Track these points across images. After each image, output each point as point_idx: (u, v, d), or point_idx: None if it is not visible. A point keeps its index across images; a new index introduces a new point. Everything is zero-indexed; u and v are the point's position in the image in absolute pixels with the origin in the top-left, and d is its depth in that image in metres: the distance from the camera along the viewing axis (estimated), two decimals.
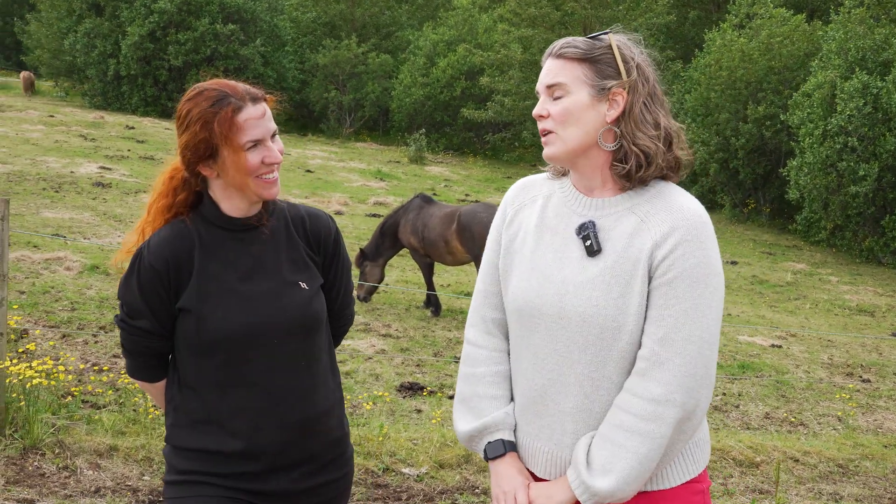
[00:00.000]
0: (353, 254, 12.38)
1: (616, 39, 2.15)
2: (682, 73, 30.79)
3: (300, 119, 41.03)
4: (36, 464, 4.69)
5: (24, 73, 41.20)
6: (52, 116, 28.72)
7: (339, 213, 17.93)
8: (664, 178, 2.17)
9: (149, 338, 2.39)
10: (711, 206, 27.14)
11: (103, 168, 18.82)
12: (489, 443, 2.26)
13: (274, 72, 37.10)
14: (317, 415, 2.44)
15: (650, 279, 2.06)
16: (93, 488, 4.54)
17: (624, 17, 31.76)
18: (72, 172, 17.91)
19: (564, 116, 2.13)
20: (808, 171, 20.75)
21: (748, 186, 25.83)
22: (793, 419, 7.68)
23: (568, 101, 2.12)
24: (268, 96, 2.37)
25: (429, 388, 7.37)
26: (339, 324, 2.68)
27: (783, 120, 23.12)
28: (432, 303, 10.46)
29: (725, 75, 25.31)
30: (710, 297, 2.04)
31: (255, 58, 35.78)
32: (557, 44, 2.17)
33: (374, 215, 17.60)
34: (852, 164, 19.66)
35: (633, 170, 2.11)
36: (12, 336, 6.55)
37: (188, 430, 2.38)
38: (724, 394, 8.31)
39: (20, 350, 5.88)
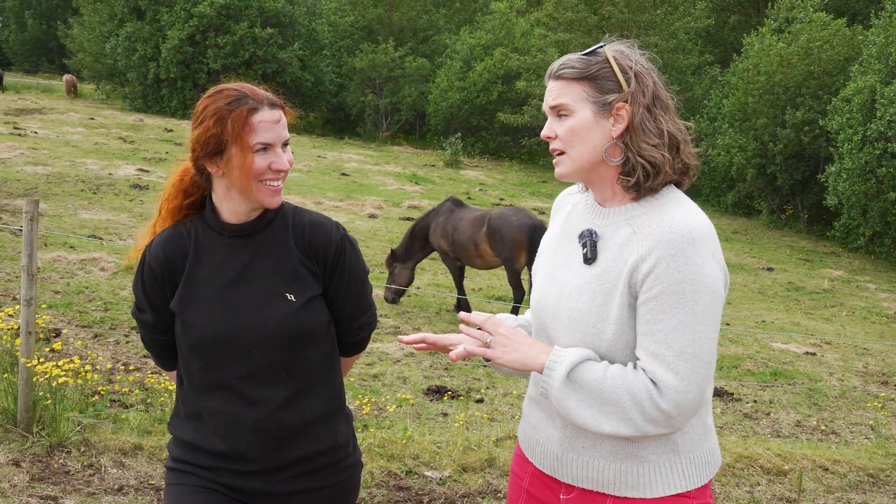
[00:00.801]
0: (385, 256, 12.44)
1: (612, 52, 2.14)
2: (720, 77, 30.58)
3: (337, 122, 41.24)
4: (61, 461, 4.75)
5: (66, 77, 41.83)
6: (92, 119, 29.11)
7: (372, 216, 17.99)
8: (677, 183, 2.18)
9: (153, 331, 2.47)
10: (749, 212, 26.93)
11: (141, 170, 19.02)
12: None
13: (311, 75, 37.31)
14: (299, 424, 2.41)
15: (636, 294, 2.07)
16: (116, 486, 4.58)
17: (662, 21, 31.59)
18: (110, 174, 18.13)
19: (570, 136, 2.14)
20: (847, 177, 20.52)
21: (786, 192, 25.58)
22: (824, 427, 7.58)
23: (572, 121, 2.13)
24: (287, 108, 2.39)
25: (455, 392, 7.37)
26: (353, 333, 2.59)
27: (822, 125, 22.89)
28: (462, 306, 10.46)
29: (764, 80, 25.10)
30: (702, 314, 2.02)
31: (292, 61, 36.01)
32: (555, 65, 2.17)
33: (408, 219, 17.63)
34: (892, 170, 19.39)
35: (640, 181, 2.12)
36: (41, 335, 6.64)
37: (183, 421, 2.47)
38: (756, 401, 8.23)
39: (47, 350, 5.94)
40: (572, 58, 2.15)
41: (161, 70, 35.29)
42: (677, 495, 2.16)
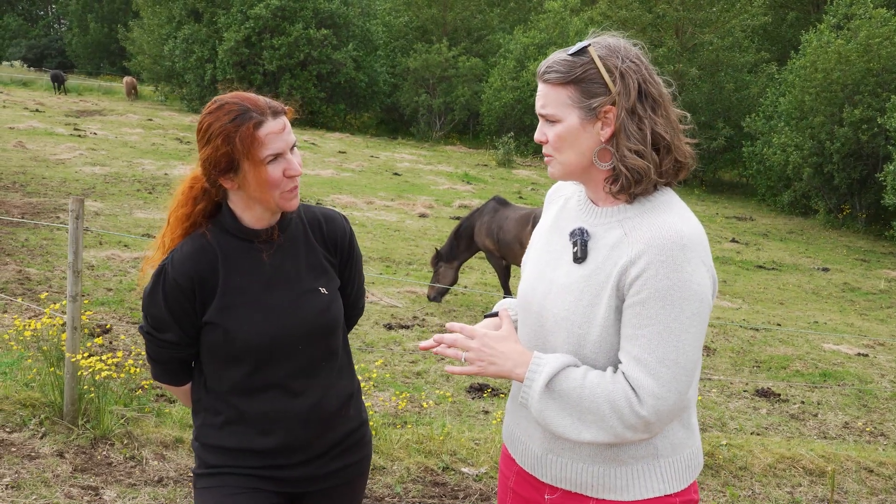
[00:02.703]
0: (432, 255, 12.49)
1: (598, 51, 2.07)
2: (777, 75, 30.18)
3: (390, 122, 41.46)
4: (104, 453, 4.86)
5: (126, 78, 42.66)
6: (150, 120, 29.62)
7: (423, 215, 18.06)
8: (668, 183, 2.14)
9: (175, 348, 2.46)
10: (805, 211, 26.55)
11: None
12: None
13: (365, 76, 37.56)
14: (337, 408, 2.54)
15: (623, 297, 2.05)
16: (156, 478, 4.69)
17: (718, 19, 31.27)
18: (166, 175, 18.45)
19: (559, 143, 2.11)
20: None
21: (843, 191, 25.17)
22: (872, 430, 7.47)
23: (560, 128, 2.10)
24: (287, 108, 2.41)
25: (497, 390, 7.39)
26: (352, 313, 2.75)
27: (880, 123, 22.48)
28: None
29: (821, 77, 24.72)
30: (687, 322, 1.99)
31: (347, 62, 36.29)
32: (542, 66, 2.12)
33: (458, 218, 17.66)
34: None
35: (623, 188, 2.09)
36: (86, 331, 6.79)
37: (217, 429, 2.47)
38: (803, 402, 8.13)
39: (89, 344, 6.09)
40: (557, 59, 2.09)
41: (218, 71, 35.81)
42: (658, 498, 2.15)
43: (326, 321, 2.49)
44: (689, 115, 2.22)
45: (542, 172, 29.41)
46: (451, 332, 2.19)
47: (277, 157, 2.32)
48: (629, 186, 2.08)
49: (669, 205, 2.10)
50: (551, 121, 2.12)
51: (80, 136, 23.27)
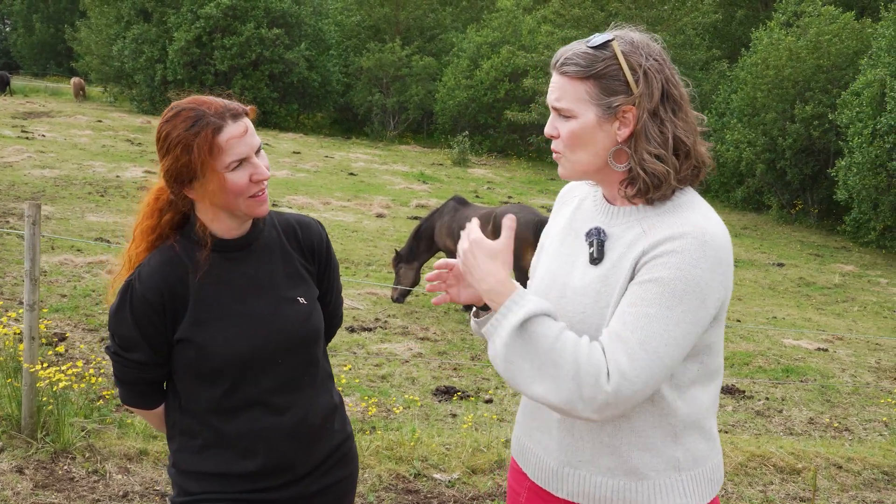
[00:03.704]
0: (392, 256, 12.39)
1: (622, 46, 1.96)
2: (729, 72, 30.47)
3: (344, 122, 41.25)
4: (66, 468, 4.70)
5: (74, 79, 41.94)
6: (99, 121, 29.14)
7: (380, 215, 17.94)
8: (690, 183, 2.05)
9: (145, 369, 2.30)
10: (758, 207, 26.82)
11: (148, 172, 19.00)
12: None
13: (318, 75, 37.30)
14: (322, 422, 2.42)
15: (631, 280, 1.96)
16: (121, 493, 4.53)
17: (669, 17, 31.47)
18: (117, 177, 18.13)
19: (572, 140, 2.00)
20: (857, 172, 20.39)
21: (796, 187, 25.45)
22: (837, 424, 7.51)
23: (574, 125, 1.98)
24: (249, 109, 2.26)
25: (465, 393, 7.31)
26: (332, 324, 2.64)
27: (831, 119, 22.76)
28: (471, 307, 10.38)
29: (772, 74, 24.97)
30: (681, 317, 1.87)
31: (299, 61, 36.00)
32: (560, 56, 2.00)
33: (416, 218, 17.57)
34: None
35: (640, 192, 1.99)
36: (43, 340, 6.60)
37: (195, 454, 2.33)
38: (768, 398, 8.15)
39: (50, 353, 5.90)
40: (578, 51, 1.98)
41: (168, 72, 35.32)
42: None
43: (307, 332, 2.36)
44: (705, 117, 2.12)
45: (497, 171, 29.42)
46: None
47: (242, 162, 2.18)
48: (647, 191, 1.98)
49: (692, 204, 2.01)
50: (566, 116, 2.00)
51: (27, 138, 22.80)
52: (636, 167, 1.97)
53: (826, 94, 24.46)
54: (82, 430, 5.01)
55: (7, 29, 74.13)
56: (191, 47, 35.09)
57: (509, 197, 22.71)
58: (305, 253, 2.45)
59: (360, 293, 11.16)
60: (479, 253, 1.97)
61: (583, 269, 2.06)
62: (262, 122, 35.54)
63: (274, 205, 17.20)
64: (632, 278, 1.95)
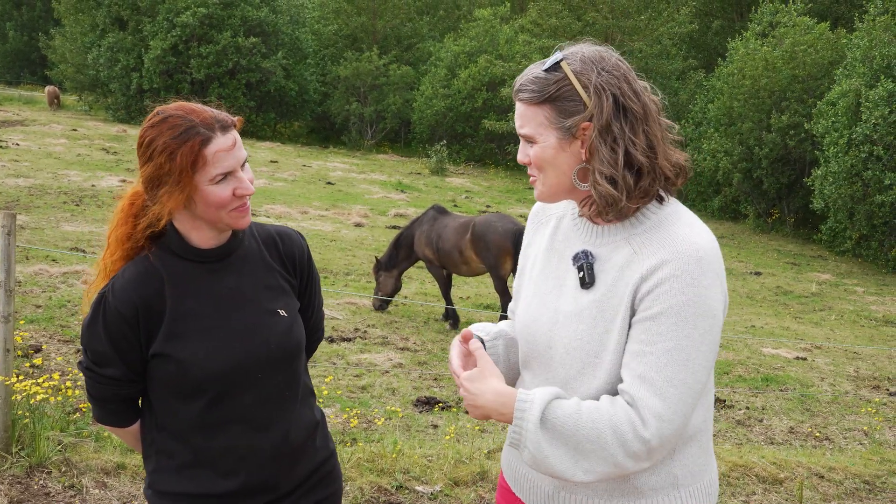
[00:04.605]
0: (371, 265, 12.34)
1: (572, 65, 1.93)
2: (705, 82, 30.64)
3: (321, 131, 41.15)
4: (42, 482, 4.61)
5: (48, 88, 41.54)
6: (75, 130, 28.91)
7: (359, 224, 17.88)
8: (660, 198, 2.00)
9: (119, 385, 2.22)
10: (735, 216, 26.96)
11: (124, 181, 18.82)
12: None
13: (296, 84, 37.21)
14: (304, 439, 2.35)
15: (633, 313, 1.91)
16: None
17: (646, 27, 31.64)
18: (93, 186, 17.97)
19: (539, 164, 1.98)
20: (833, 181, 20.54)
21: (772, 196, 25.61)
22: (818, 434, 7.51)
23: (538, 149, 1.96)
24: (237, 119, 2.20)
25: (446, 403, 7.25)
26: (313, 339, 2.57)
27: (807, 129, 22.95)
28: (450, 316, 10.36)
29: (749, 84, 25.13)
30: (699, 340, 1.86)
31: (276, 70, 35.90)
32: (516, 83, 1.99)
33: (394, 227, 17.53)
34: (878, 172, 19.43)
35: (599, 212, 1.97)
36: (19, 352, 6.49)
37: (173, 474, 2.25)
38: (748, 408, 8.15)
39: (28, 364, 5.81)
40: (530, 77, 1.96)
41: (144, 80, 35.12)
42: None
43: (289, 345, 2.29)
44: (676, 125, 2.07)
45: (475, 180, 29.42)
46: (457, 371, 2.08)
47: (227, 175, 2.11)
48: (604, 212, 1.95)
49: (678, 216, 1.98)
50: (530, 141, 1.98)
51: (1, 146, 22.59)
52: (591, 188, 1.95)
53: (802, 103, 24.65)
54: (58, 444, 4.92)
55: None
56: (167, 56, 34.91)
57: (487, 206, 22.71)
58: (286, 264, 2.38)
59: (339, 303, 11.09)
60: (467, 385, 1.98)
61: (573, 294, 2.02)
62: (238, 131, 35.39)
63: (252, 214, 17.07)
64: (632, 307, 1.91)
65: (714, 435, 7.27)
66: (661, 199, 1.99)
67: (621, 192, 1.91)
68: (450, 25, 44.69)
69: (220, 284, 2.24)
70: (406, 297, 11.48)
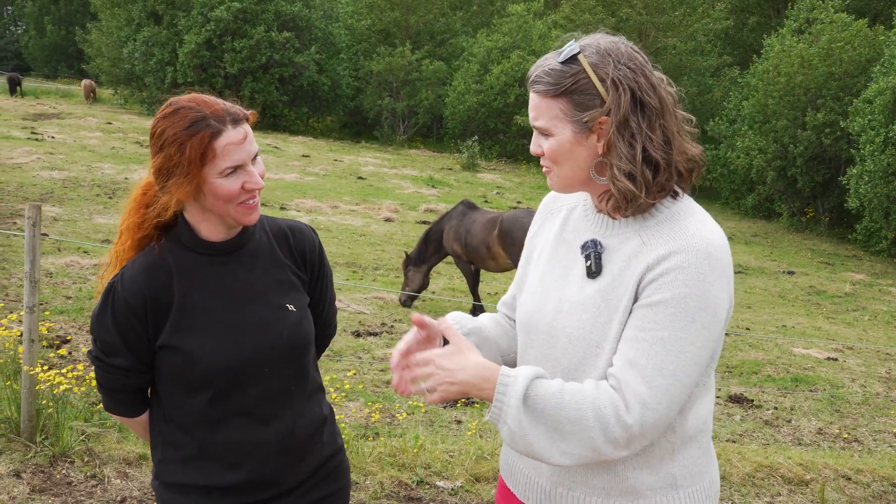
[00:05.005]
0: (400, 260, 12.35)
1: (589, 57, 1.88)
2: (740, 79, 30.38)
3: (354, 126, 41.25)
4: (64, 472, 4.64)
5: (85, 81, 41.96)
6: (109, 123, 29.18)
7: (388, 219, 17.89)
8: (675, 194, 1.97)
9: (127, 375, 2.22)
10: (768, 214, 26.72)
11: None
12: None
13: (328, 79, 37.29)
14: (310, 435, 2.34)
15: (635, 301, 1.88)
16: (119, 498, 4.47)
17: (680, 23, 31.41)
18: (126, 179, 18.12)
19: (554, 157, 1.95)
20: (869, 180, 20.29)
21: (806, 195, 25.35)
22: (846, 435, 7.41)
23: (553, 142, 1.93)
24: (250, 113, 2.18)
25: (469, 399, 7.24)
26: (325, 334, 2.56)
27: (843, 127, 22.66)
28: (477, 312, 10.33)
29: (784, 81, 24.88)
30: (696, 335, 1.82)
31: (309, 65, 36.00)
32: (530, 73, 1.95)
33: (424, 222, 17.53)
34: None
35: (617, 207, 1.94)
36: (44, 343, 6.55)
37: (179, 465, 2.25)
38: (776, 408, 8.06)
39: (52, 355, 5.86)
40: (546, 68, 1.91)
41: (178, 74, 35.36)
42: None
43: (297, 341, 2.27)
44: (693, 118, 2.02)
45: (506, 176, 29.36)
46: (398, 358, 1.99)
47: (237, 169, 2.10)
48: (623, 207, 1.92)
49: (691, 211, 1.94)
50: (544, 133, 1.94)
51: (37, 139, 22.83)
52: (609, 182, 1.91)
53: (838, 101, 24.37)
54: (82, 434, 4.95)
55: (19, 31, 74.43)
56: (201, 50, 35.12)
57: (518, 202, 22.65)
58: (297, 259, 2.37)
59: (367, 297, 11.10)
60: (443, 363, 1.88)
61: (579, 283, 1.99)
62: (271, 126, 35.63)
63: (282, 208, 17.18)
64: (636, 295, 1.88)
65: (741, 435, 7.20)
66: (675, 195, 1.96)
67: (640, 188, 1.88)
68: (483, 21, 44.59)
69: (229, 278, 2.23)
70: (434, 293, 11.48)
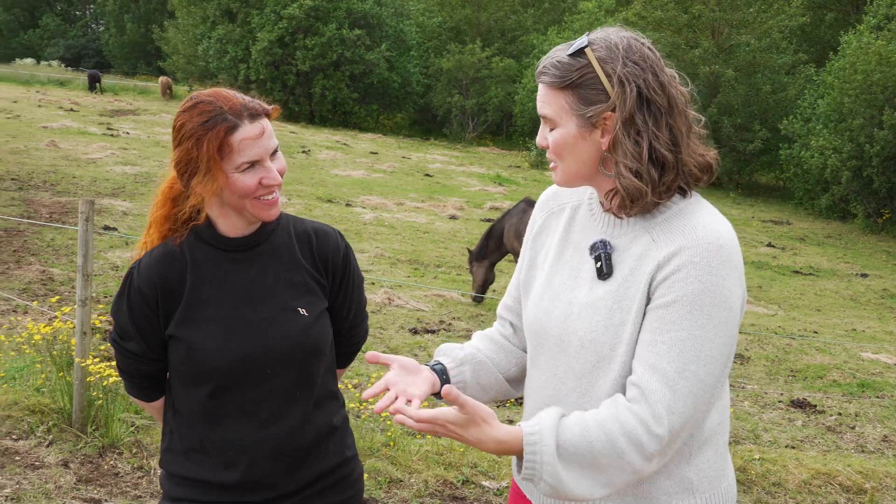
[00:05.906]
0: (462, 258, 12.33)
1: (597, 52, 1.85)
2: (816, 77, 29.74)
3: (423, 123, 41.40)
4: (112, 463, 4.72)
5: (161, 78, 42.81)
6: None
7: (453, 217, 17.89)
8: (683, 192, 1.92)
9: (139, 360, 2.25)
10: (843, 215, 26.11)
11: None
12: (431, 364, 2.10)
13: (398, 76, 37.51)
14: (313, 442, 2.30)
15: (648, 301, 1.83)
16: None
17: (755, 20, 30.86)
18: None
19: (558, 150, 1.92)
20: None
21: (883, 195, 24.69)
22: None
23: (557, 135, 1.90)
24: (272, 108, 2.18)
25: (522, 399, 7.18)
26: (352, 342, 2.51)
27: None
28: None
29: (861, 79, 24.27)
30: (714, 331, 1.78)
31: (380, 62, 36.25)
32: (540, 64, 1.92)
33: (488, 220, 17.49)
34: None
35: (623, 205, 1.89)
36: (97, 335, 6.67)
37: (181, 456, 2.26)
38: (840, 413, 7.86)
39: (102, 347, 5.96)
40: (553, 60, 1.88)
41: (251, 71, 35.91)
42: None
43: (304, 346, 2.23)
44: (702, 118, 1.97)
45: None
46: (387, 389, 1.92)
47: (254, 164, 2.09)
48: (629, 206, 1.88)
49: (699, 205, 1.90)
50: (550, 125, 1.92)
51: (112, 135, 23.34)
52: (615, 179, 1.88)
53: None
54: (131, 426, 5.04)
55: (100, 29, 76.26)
56: (273, 47, 35.59)
57: None
58: (318, 263, 2.33)
59: (427, 294, 11.10)
60: (458, 431, 1.79)
61: (589, 285, 1.94)
62: (341, 123, 35.94)
63: (348, 204, 17.30)
64: (648, 295, 1.84)
65: (801, 440, 7.03)
66: (683, 192, 1.91)
67: (647, 186, 1.84)
68: (554, 18, 44.37)
69: (241, 275, 2.23)
70: (494, 291, 11.43)
